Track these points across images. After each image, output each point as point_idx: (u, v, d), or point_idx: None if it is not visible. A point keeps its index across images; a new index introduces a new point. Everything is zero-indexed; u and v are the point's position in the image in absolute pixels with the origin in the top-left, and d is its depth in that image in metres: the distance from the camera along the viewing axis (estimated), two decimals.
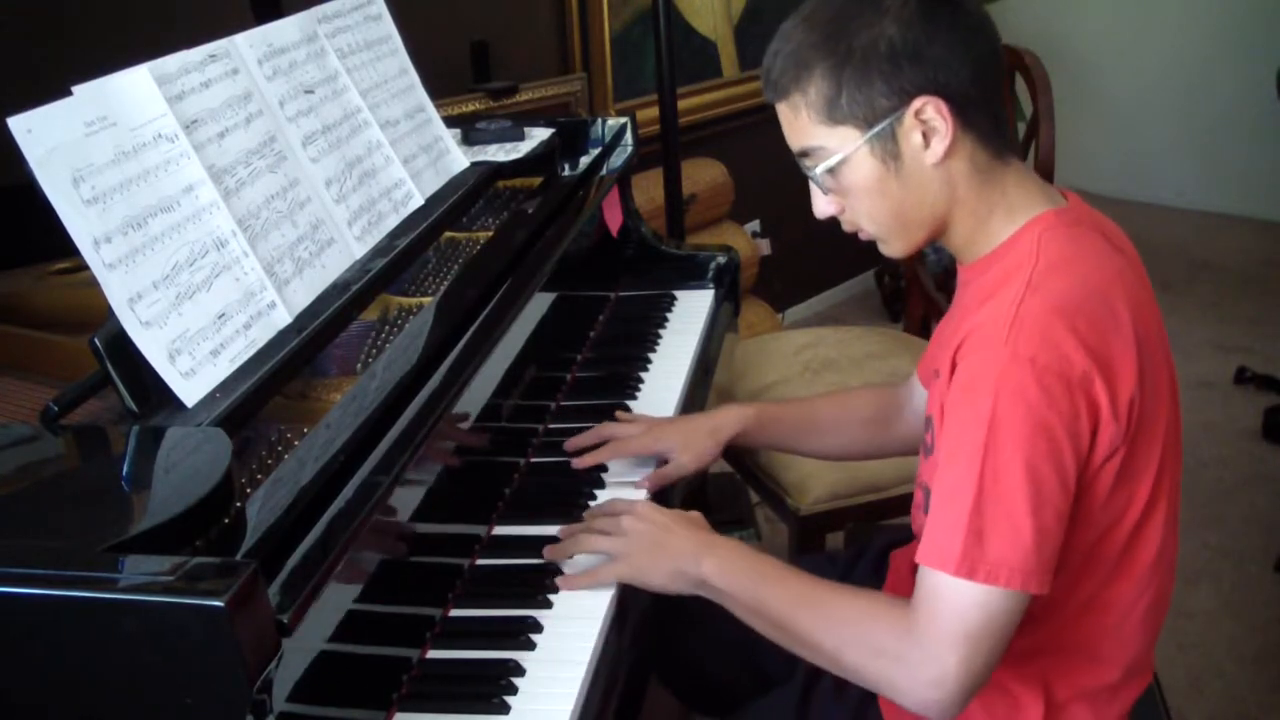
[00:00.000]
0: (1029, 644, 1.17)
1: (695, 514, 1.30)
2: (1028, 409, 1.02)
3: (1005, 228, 1.15)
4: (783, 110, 1.16)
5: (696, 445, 1.47)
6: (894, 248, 1.20)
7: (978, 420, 1.04)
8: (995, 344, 1.05)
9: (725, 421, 1.51)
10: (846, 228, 1.21)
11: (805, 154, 1.17)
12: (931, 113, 1.09)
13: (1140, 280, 1.16)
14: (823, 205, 1.20)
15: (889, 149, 1.12)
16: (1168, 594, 1.22)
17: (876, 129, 1.11)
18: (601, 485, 1.45)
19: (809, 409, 1.56)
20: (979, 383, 1.05)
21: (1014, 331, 1.04)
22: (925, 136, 1.11)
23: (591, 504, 1.41)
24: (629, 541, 1.24)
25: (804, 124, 1.14)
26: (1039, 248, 1.11)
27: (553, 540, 1.33)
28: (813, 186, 1.19)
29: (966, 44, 1.10)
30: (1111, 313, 1.08)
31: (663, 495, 1.46)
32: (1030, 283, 1.08)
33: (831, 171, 1.15)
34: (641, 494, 1.42)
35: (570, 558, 1.28)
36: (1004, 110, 1.18)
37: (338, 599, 1.00)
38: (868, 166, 1.13)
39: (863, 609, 1.12)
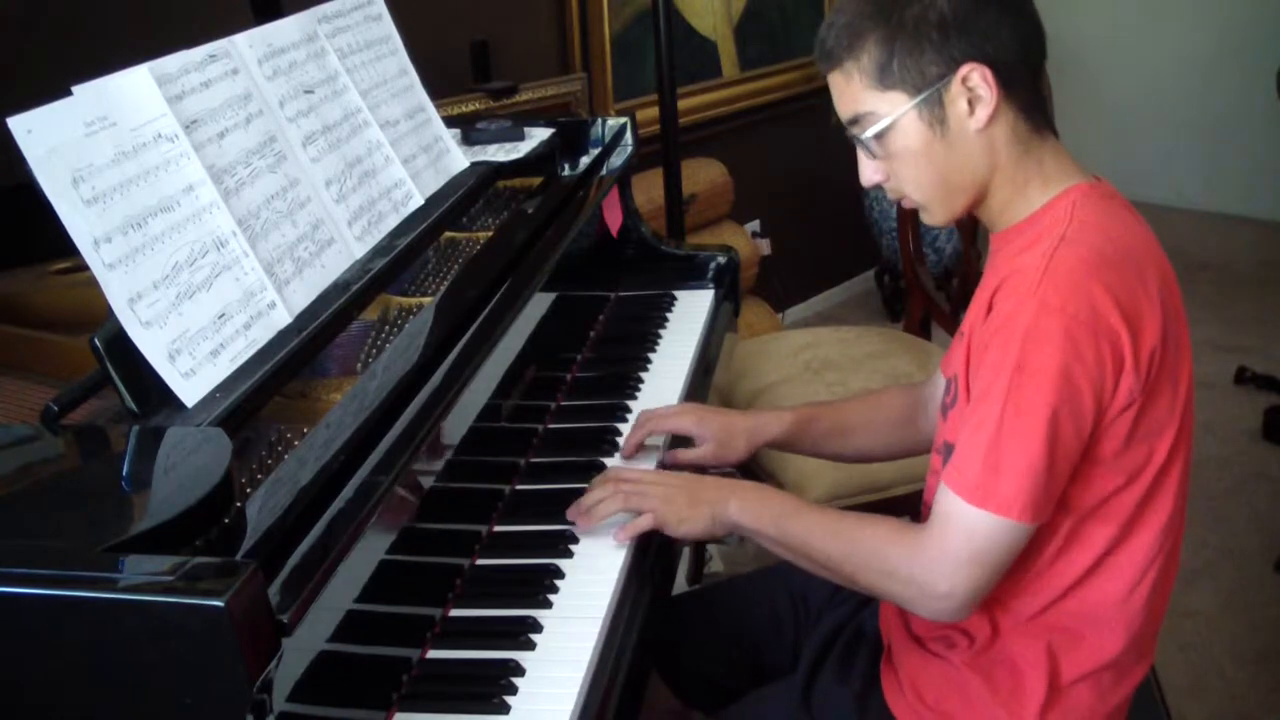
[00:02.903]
0: (1038, 614, 1.20)
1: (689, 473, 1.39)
2: (1053, 355, 1.08)
3: (1041, 196, 1.21)
4: (835, 79, 1.22)
5: (730, 442, 1.49)
6: (936, 214, 1.25)
7: (1006, 360, 1.10)
8: (1027, 291, 1.11)
9: (765, 424, 1.50)
10: (891, 195, 1.26)
11: (855, 120, 1.21)
12: (977, 80, 1.15)
13: (1164, 260, 1.21)
14: (870, 172, 1.24)
15: (936, 114, 1.17)
16: (1172, 572, 1.25)
17: (925, 94, 1.17)
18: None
19: (841, 414, 1.56)
20: (1010, 325, 1.11)
21: (1045, 280, 1.10)
22: (970, 104, 1.16)
23: None
24: (665, 494, 1.30)
25: (856, 90, 1.20)
26: (1073, 211, 1.17)
27: (551, 539, 1.33)
28: (860, 155, 1.24)
29: (1013, 18, 1.17)
30: (1139, 271, 1.14)
31: None
32: (1064, 237, 1.13)
33: (880, 137, 1.20)
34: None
35: (602, 520, 1.32)
36: (1044, 88, 1.24)
37: (338, 599, 1.00)
38: (915, 131, 1.18)
39: (876, 534, 1.20)
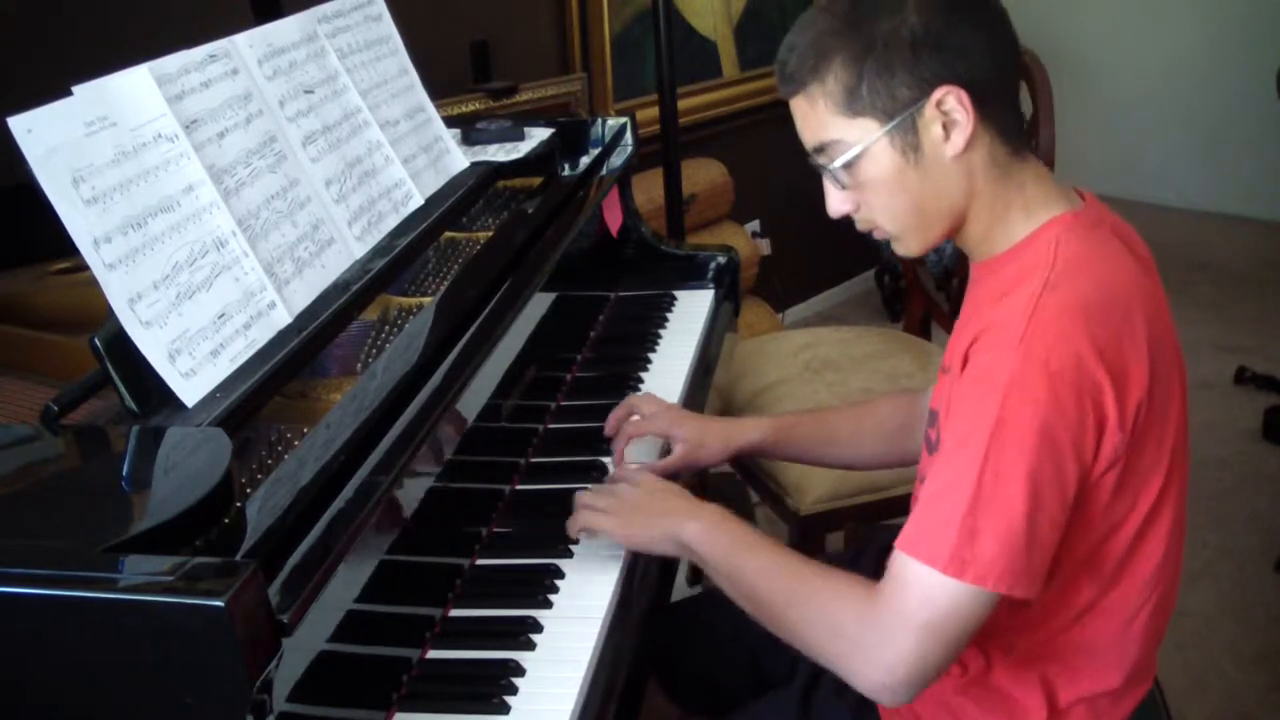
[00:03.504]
0: (1031, 648, 1.17)
1: (676, 485, 1.33)
2: (1035, 413, 1.01)
3: (1022, 225, 1.14)
4: (798, 104, 1.14)
5: (705, 446, 1.48)
6: (910, 245, 1.18)
7: (984, 418, 1.02)
8: (1009, 343, 1.04)
9: (741, 431, 1.50)
10: (861, 226, 1.19)
11: (821, 149, 1.14)
12: (953, 103, 1.08)
13: (1155, 286, 1.15)
14: (838, 203, 1.17)
15: (909, 140, 1.10)
16: (1171, 601, 1.22)
17: (897, 120, 1.09)
18: (599, 481, 1.45)
19: (827, 422, 1.54)
20: (990, 380, 1.04)
21: (1029, 331, 1.03)
22: (945, 128, 1.09)
23: None
24: (620, 503, 1.28)
25: (821, 116, 1.12)
26: (1057, 248, 1.10)
27: (551, 539, 1.33)
28: (827, 185, 1.17)
29: (988, 34, 1.09)
30: (1127, 318, 1.07)
31: None
32: (1048, 282, 1.06)
33: (849, 166, 1.13)
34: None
35: (580, 530, 1.30)
36: (1020, 107, 1.18)
37: (338, 599, 1.00)
38: (887, 159, 1.11)
39: (829, 587, 1.12)
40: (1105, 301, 1.06)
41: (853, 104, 1.10)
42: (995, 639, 1.18)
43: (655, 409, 1.51)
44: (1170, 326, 1.15)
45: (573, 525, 1.30)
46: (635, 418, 1.51)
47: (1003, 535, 1.02)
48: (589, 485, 1.44)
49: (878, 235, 1.19)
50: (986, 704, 1.20)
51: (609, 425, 1.52)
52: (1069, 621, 1.15)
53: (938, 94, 1.08)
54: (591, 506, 1.29)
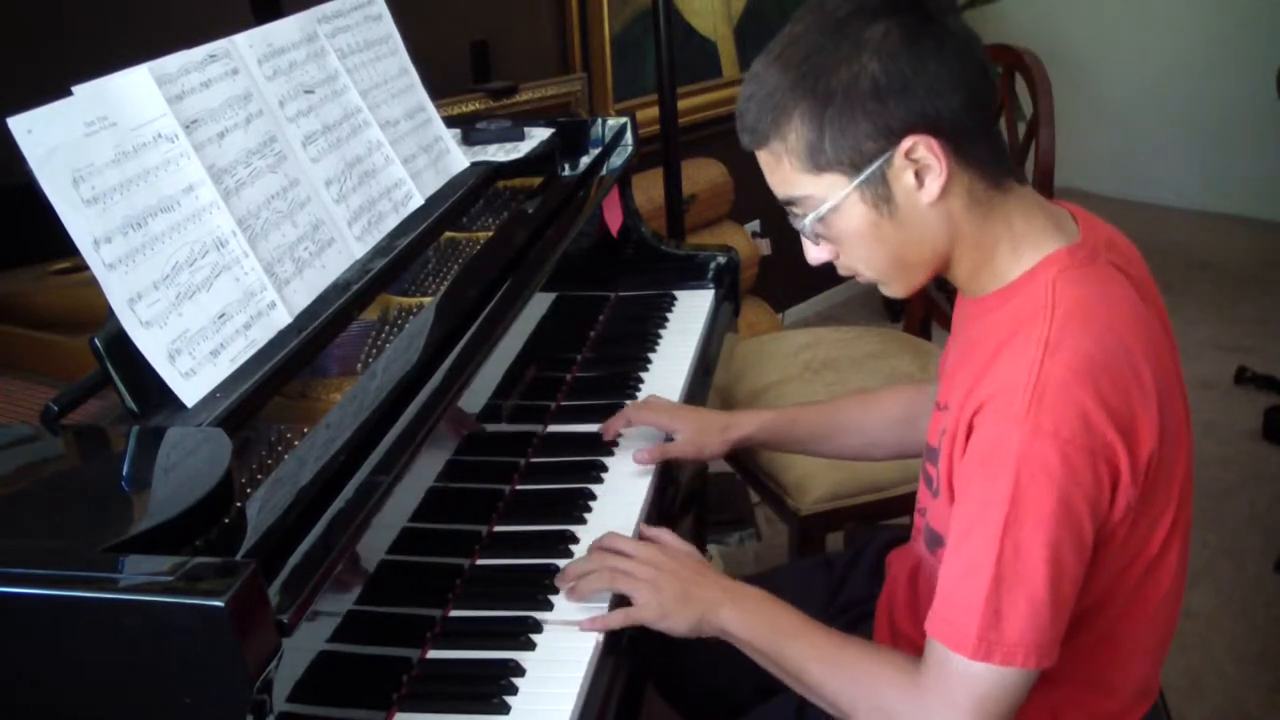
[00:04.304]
0: (1040, 679, 1.16)
1: (694, 551, 1.29)
2: (1051, 484, 0.99)
3: (1012, 264, 1.10)
4: (763, 158, 1.11)
5: (704, 436, 1.49)
6: (895, 289, 1.15)
7: (998, 496, 1.00)
8: (1016, 415, 1.00)
9: (739, 422, 1.51)
10: (843, 272, 1.16)
11: (792, 202, 1.11)
12: (923, 151, 1.03)
13: (1156, 317, 1.12)
14: (815, 253, 1.15)
15: (880, 193, 1.05)
16: (1175, 620, 1.21)
17: (865, 174, 1.04)
18: (600, 481, 1.45)
19: (831, 414, 1.53)
20: (999, 455, 1.00)
21: (1035, 401, 0.99)
22: (918, 175, 1.04)
23: (591, 503, 1.41)
24: (656, 580, 1.21)
25: (786, 173, 1.08)
26: (1053, 295, 1.05)
27: (551, 539, 1.33)
28: (803, 237, 1.14)
29: (955, 68, 1.03)
30: (1133, 368, 1.03)
31: (667, 486, 1.47)
32: (1048, 344, 1.02)
33: (822, 220, 1.09)
34: (640, 488, 1.44)
35: (587, 596, 1.23)
36: (999, 133, 1.13)
37: (338, 599, 1.00)
38: (859, 213, 1.07)
39: (874, 670, 1.11)
40: (1108, 357, 1.02)
41: (817, 159, 1.05)
42: None
43: (655, 403, 1.53)
44: (1175, 358, 1.13)
45: (586, 586, 1.22)
46: (634, 409, 1.52)
47: (1027, 613, 1.01)
48: (587, 484, 1.44)
49: (861, 280, 1.16)
50: None
51: (607, 434, 1.52)
52: (1082, 652, 1.14)
53: (906, 144, 1.03)
54: (631, 575, 1.21)
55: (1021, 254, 1.10)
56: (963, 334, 1.19)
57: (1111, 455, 1.01)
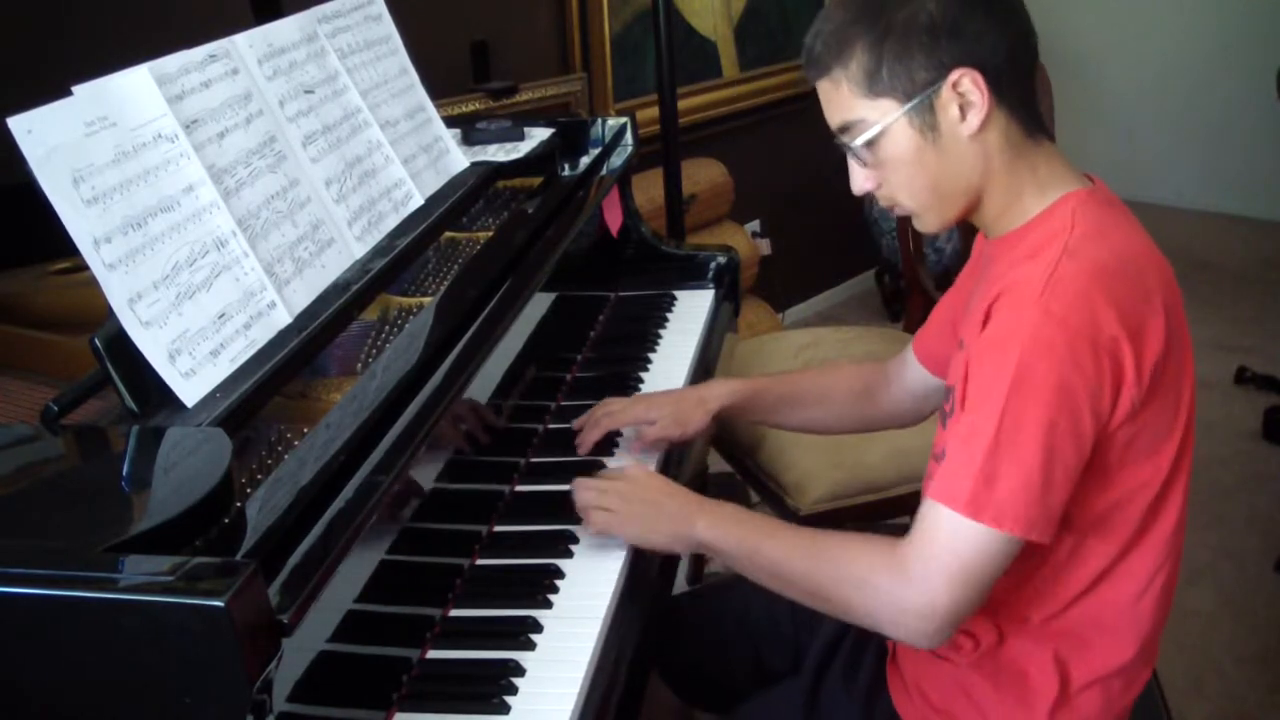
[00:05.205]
0: (1045, 621, 1.19)
1: (661, 476, 1.36)
2: (1053, 367, 1.06)
3: (1037, 203, 1.18)
4: (823, 87, 1.19)
5: (685, 414, 1.51)
6: (929, 221, 1.22)
7: (1003, 370, 1.07)
8: (1029, 301, 1.08)
9: (713, 393, 1.55)
10: (883, 203, 1.24)
11: (845, 129, 1.19)
12: (968, 85, 1.12)
13: (1165, 262, 1.19)
14: (861, 180, 1.22)
15: (927, 120, 1.15)
16: (1177, 570, 1.24)
17: (915, 101, 1.14)
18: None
19: (794, 382, 1.59)
20: (1009, 336, 1.08)
21: (1048, 290, 1.08)
22: (962, 109, 1.14)
23: None
24: (628, 504, 1.29)
25: (844, 97, 1.17)
26: (1074, 219, 1.14)
27: (551, 539, 1.33)
28: (851, 163, 1.22)
29: (1002, 22, 1.14)
30: (1142, 280, 1.12)
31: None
32: (1067, 247, 1.11)
33: (870, 145, 1.17)
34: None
35: (595, 530, 1.31)
36: (1036, 92, 1.21)
37: (338, 599, 1.00)
38: (906, 138, 1.16)
39: (852, 546, 1.17)
40: (1122, 268, 1.11)
41: (873, 86, 1.15)
42: (1008, 609, 1.20)
43: (623, 403, 1.53)
44: (1180, 305, 1.19)
45: (585, 521, 1.31)
46: (606, 416, 1.52)
47: (1019, 481, 1.06)
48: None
49: (898, 212, 1.24)
50: (999, 680, 1.22)
51: (582, 444, 1.51)
52: (1083, 589, 1.18)
53: (954, 76, 1.12)
54: (601, 507, 1.30)
55: (1046, 194, 1.18)
56: (986, 273, 1.25)
57: (1116, 350, 1.08)
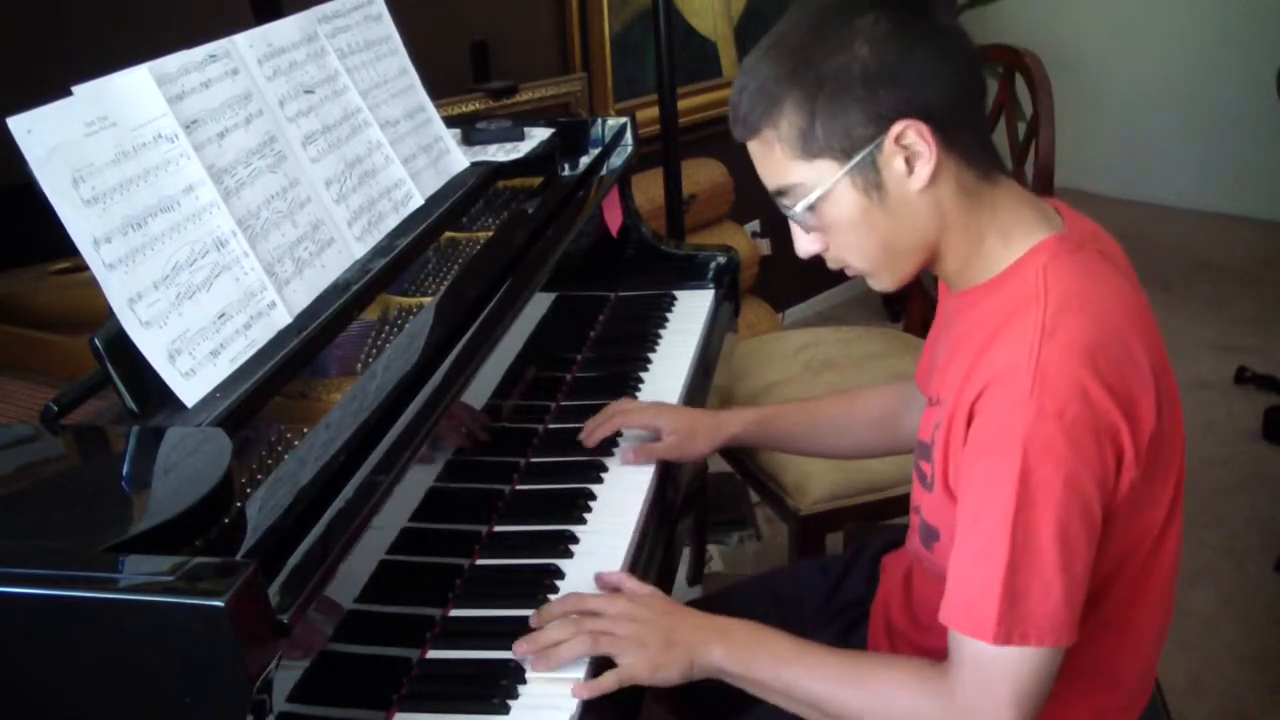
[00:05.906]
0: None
1: (658, 591, 1.24)
2: (1058, 465, 0.99)
3: (1001, 254, 1.11)
4: (754, 148, 1.12)
5: (694, 437, 1.50)
6: (883, 281, 1.15)
7: (1006, 478, 1.00)
8: (1019, 398, 1.00)
9: (727, 420, 1.52)
10: (832, 265, 1.16)
11: (782, 192, 1.11)
12: (913, 136, 1.04)
13: (1142, 302, 1.12)
14: (806, 244, 1.15)
15: (870, 179, 1.06)
16: (1172, 607, 1.22)
17: (856, 159, 1.05)
18: (599, 481, 1.45)
19: (813, 411, 1.55)
20: (1005, 438, 1.01)
21: (1038, 383, 1.00)
22: (908, 162, 1.05)
23: (591, 503, 1.41)
24: (638, 634, 1.14)
25: (778, 161, 1.09)
26: (1046, 282, 1.06)
27: (551, 539, 1.33)
28: (794, 227, 1.15)
29: (944, 58, 1.05)
30: (1128, 349, 1.05)
31: (667, 486, 1.47)
32: (1044, 327, 1.02)
33: (812, 208, 1.10)
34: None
35: (564, 663, 1.13)
36: (987, 126, 1.14)
37: (338, 599, 1.00)
38: (850, 199, 1.08)
39: (899, 679, 1.09)
40: (1105, 337, 1.03)
41: (808, 146, 1.07)
42: None
43: (639, 404, 1.53)
44: (1160, 340, 1.13)
45: (565, 652, 1.13)
46: (620, 414, 1.51)
47: (1042, 594, 1.01)
48: (587, 484, 1.44)
49: (850, 273, 1.16)
50: None
51: (589, 438, 1.49)
52: (1091, 639, 1.13)
53: (896, 129, 1.04)
54: (611, 634, 1.14)
55: (1012, 242, 1.11)
56: (952, 328, 1.19)
57: (1115, 433, 1.02)
